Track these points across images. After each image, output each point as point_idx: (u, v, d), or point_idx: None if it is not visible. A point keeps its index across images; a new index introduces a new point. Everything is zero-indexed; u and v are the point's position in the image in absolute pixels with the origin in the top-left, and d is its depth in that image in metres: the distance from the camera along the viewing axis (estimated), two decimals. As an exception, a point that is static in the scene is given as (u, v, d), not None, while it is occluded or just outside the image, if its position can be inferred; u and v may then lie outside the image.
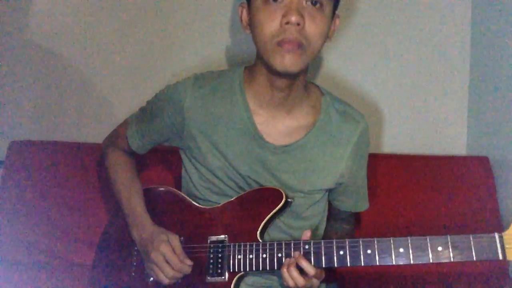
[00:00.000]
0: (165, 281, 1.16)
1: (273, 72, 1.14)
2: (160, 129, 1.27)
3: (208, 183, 1.25)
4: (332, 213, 1.37)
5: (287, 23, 1.06)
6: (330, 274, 1.41)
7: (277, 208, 1.17)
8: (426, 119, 1.76)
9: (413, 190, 1.60)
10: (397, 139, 1.76)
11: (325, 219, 1.34)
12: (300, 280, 1.08)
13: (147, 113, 1.30)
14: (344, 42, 1.72)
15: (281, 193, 1.17)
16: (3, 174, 1.61)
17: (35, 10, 1.72)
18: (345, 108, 1.27)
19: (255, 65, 1.20)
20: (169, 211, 1.27)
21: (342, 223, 1.38)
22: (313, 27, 1.09)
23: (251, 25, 1.14)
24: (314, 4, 1.09)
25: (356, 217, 1.52)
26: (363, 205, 1.37)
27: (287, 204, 1.18)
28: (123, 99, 1.74)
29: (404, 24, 1.72)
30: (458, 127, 1.76)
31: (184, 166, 1.31)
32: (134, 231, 1.22)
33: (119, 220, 1.29)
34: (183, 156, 1.30)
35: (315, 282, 1.12)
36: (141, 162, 1.39)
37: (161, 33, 1.73)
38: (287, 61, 1.09)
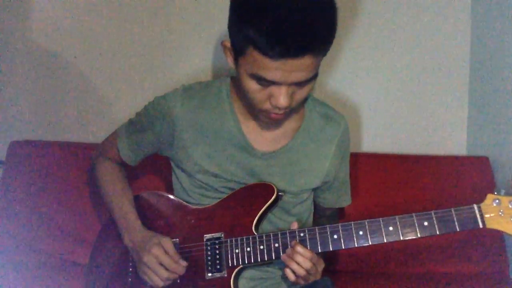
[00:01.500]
0: (160, 283, 1.16)
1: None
2: (151, 141, 1.28)
3: (200, 189, 1.27)
4: (317, 212, 1.41)
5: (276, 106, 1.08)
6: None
7: (270, 201, 1.21)
8: (426, 119, 1.76)
9: (413, 189, 1.60)
10: (396, 139, 1.76)
11: (312, 213, 1.38)
12: (307, 264, 1.12)
13: (137, 125, 1.30)
14: (344, 43, 1.72)
15: (272, 187, 1.21)
16: (3, 174, 1.61)
17: (35, 10, 1.72)
18: (327, 111, 1.31)
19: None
20: (163, 214, 1.28)
21: (328, 220, 1.42)
22: (299, 96, 1.10)
23: (237, 77, 1.12)
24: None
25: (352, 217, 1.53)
26: (345, 201, 1.41)
27: (278, 197, 1.22)
28: (123, 99, 1.74)
29: (404, 24, 1.72)
30: (458, 127, 1.76)
31: (174, 174, 1.33)
32: (126, 238, 1.22)
33: (113, 228, 1.29)
34: (173, 164, 1.32)
35: (317, 270, 1.16)
36: (131, 169, 1.38)
37: (162, 34, 1.73)
38: (273, 122, 1.18)
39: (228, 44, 1.11)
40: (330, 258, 1.56)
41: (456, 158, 1.70)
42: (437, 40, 1.72)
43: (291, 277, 1.14)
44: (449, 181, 1.61)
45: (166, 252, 1.16)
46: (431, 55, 1.73)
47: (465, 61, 1.73)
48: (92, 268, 1.32)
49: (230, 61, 1.13)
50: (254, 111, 1.17)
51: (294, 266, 1.12)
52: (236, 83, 1.18)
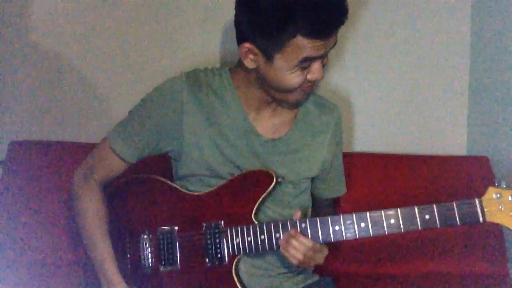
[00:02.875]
0: None
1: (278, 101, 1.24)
2: (151, 131, 1.24)
3: (202, 174, 1.26)
4: (315, 204, 1.42)
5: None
6: (323, 268, 1.43)
7: (269, 188, 1.21)
8: (426, 119, 1.76)
9: (413, 189, 1.60)
10: (396, 139, 1.76)
11: (310, 208, 1.39)
12: (302, 248, 1.13)
13: (133, 119, 1.26)
14: (344, 43, 1.72)
15: (270, 173, 1.22)
16: (3, 174, 1.61)
17: (35, 10, 1.72)
18: (320, 100, 1.36)
19: (247, 78, 1.22)
20: (160, 199, 1.27)
21: (325, 212, 1.42)
22: (325, 62, 1.19)
23: (266, 74, 1.16)
24: None
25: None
26: (341, 190, 1.45)
27: (277, 184, 1.22)
28: (123, 99, 1.73)
29: (404, 24, 1.72)
30: (458, 127, 1.76)
31: (174, 168, 1.32)
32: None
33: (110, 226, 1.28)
34: (173, 156, 1.29)
35: (318, 256, 1.17)
36: (131, 170, 1.35)
37: (161, 33, 1.73)
38: (301, 98, 1.23)
39: (251, 46, 1.13)
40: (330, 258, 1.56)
41: (456, 158, 1.70)
42: (437, 40, 1.72)
43: (293, 260, 1.15)
44: (449, 181, 1.60)
45: None
46: (431, 55, 1.72)
47: (465, 61, 1.73)
48: (90, 267, 1.31)
49: (250, 61, 1.16)
50: (287, 94, 1.19)
51: (293, 252, 1.14)
52: (261, 77, 1.18)
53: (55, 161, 1.62)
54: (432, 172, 1.63)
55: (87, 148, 1.60)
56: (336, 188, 1.43)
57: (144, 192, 1.28)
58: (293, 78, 1.14)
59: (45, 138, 1.72)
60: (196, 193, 1.26)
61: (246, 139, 1.25)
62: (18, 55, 1.75)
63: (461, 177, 1.61)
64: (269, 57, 1.12)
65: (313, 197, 1.41)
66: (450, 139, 1.76)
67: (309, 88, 1.21)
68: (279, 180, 1.23)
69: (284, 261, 1.27)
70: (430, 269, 1.56)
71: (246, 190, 1.22)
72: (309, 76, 1.15)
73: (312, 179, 1.36)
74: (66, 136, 1.74)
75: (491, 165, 1.61)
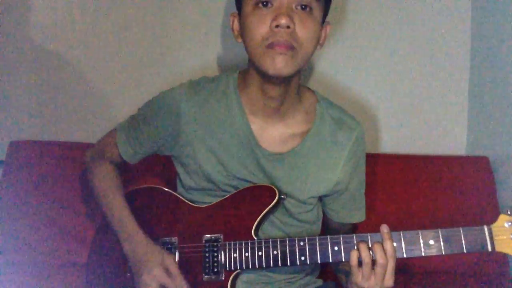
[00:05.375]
0: None
1: (265, 78, 1.14)
2: (154, 136, 1.25)
3: (204, 187, 1.25)
4: (330, 230, 1.36)
5: (277, 26, 1.07)
6: (327, 272, 1.42)
7: (271, 205, 1.17)
8: (426, 119, 1.76)
9: (412, 190, 1.60)
10: (397, 139, 1.76)
11: (320, 221, 1.33)
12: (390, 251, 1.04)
13: (139, 121, 1.27)
14: (344, 42, 1.72)
15: (274, 190, 1.18)
16: (3, 174, 1.61)
17: (35, 9, 1.72)
18: (341, 115, 1.27)
19: (248, 72, 1.21)
20: (162, 210, 1.26)
21: None
22: (303, 31, 1.10)
23: (242, 32, 1.16)
24: (303, 8, 1.11)
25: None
26: (358, 216, 1.34)
27: (280, 200, 1.19)
28: (123, 99, 1.74)
29: (404, 24, 1.72)
30: (458, 127, 1.76)
31: (178, 176, 1.31)
32: (127, 246, 1.19)
33: (109, 231, 1.26)
34: (176, 164, 1.30)
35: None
36: (133, 166, 1.35)
37: (161, 34, 1.73)
38: (278, 63, 1.09)
39: (235, 13, 1.19)
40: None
41: (456, 158, 1.69)
42: (437, 40, 1.72)
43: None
44: (449, 181, 1.60)
45: (167, 273, 1.13)
46: (431, 55, 1.72)
47: (465, 61, 1.73)
48: (91, 266, 1.32)
49: (236, 26, 1.19)
50: (261, 57, 1.11)
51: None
52: (244, 45, 1.16)
53: (55, 161, 1.62)
54: (432, 172, 1.62)
55: (87, 148, 1.61)
56: (352, 214, 1.32)
57: (148, 203, 1.28)
58: (257, 23, 1.09)
59: (45, 138, 1.72)
60: (199, 206, 1.24)
61: (248, 150, 1.21)
62: (18, 55, 1.74)
63: (461, 177, 1.61)
64: (240, 10, 1.15)
65: (327, 220, 1.35)
66: (450, 139, 1.76)
67: (280, 48, 1.08)
68: (282, 197, 1.19)
69: (283, 267, 1.23)
70: (429, 269, 1.56)
71: (248, 205, 1.19)
72: (272, 24, 1.08)
73: (323, 197, 1.29)
74: (66, 136, 1.74)
75: (491, 165, 1.61)
